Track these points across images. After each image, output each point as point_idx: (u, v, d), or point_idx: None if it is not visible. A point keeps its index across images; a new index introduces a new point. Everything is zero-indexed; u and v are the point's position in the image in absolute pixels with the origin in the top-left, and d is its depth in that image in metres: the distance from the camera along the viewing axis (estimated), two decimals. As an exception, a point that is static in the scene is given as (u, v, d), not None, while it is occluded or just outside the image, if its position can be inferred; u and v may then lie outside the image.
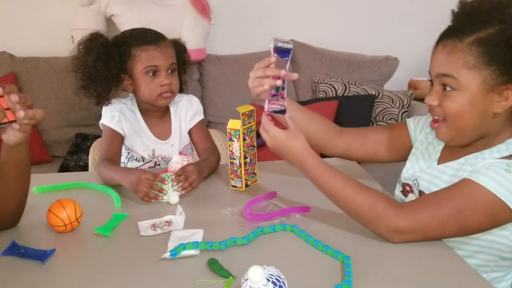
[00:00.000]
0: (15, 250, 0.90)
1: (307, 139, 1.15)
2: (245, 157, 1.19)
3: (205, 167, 1.26)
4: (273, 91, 1.01)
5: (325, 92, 2.69)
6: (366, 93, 2.63)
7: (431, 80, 0.97)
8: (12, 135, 0.86)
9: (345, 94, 2.65)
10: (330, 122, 1.20)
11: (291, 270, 0.77)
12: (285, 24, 2.94)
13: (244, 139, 1.18)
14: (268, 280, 0.69)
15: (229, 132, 1.18)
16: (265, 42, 3.12)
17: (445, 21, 0.98)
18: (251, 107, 1.20)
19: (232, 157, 1.20)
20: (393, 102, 2.62)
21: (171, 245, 0.91)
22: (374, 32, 2.99)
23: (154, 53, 1.33)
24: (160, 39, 1.35)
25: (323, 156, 1.15)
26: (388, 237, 0.90)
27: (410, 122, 1.16)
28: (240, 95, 2.74)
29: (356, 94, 2.64)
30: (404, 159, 1.14)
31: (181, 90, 1.49)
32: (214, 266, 0.83)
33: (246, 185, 1.21)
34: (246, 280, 0.70)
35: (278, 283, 0.69)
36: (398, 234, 0.89)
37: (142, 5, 2.66)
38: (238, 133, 1.17)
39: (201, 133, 1.47)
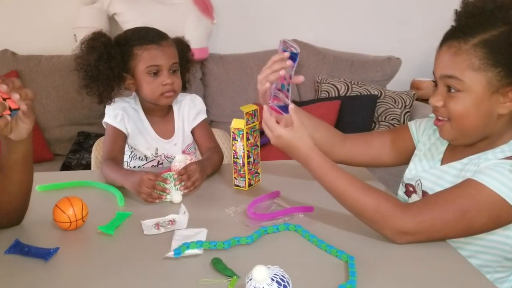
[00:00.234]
0: (19, 248, 0.90)
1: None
2: (249, 157, 1.19)
3: (208, 166, 1.26)
4: (278, 88, 1.00)
5: (327, 92, 2.69)
6: (369, 93, 2.63)
7: (434, 81, 0.97)
8: (22, 128, 0.87)
9: (347, 94, 2.64)
10: (333, 129, 1.20)
11: (295, 269, 0.77)
12: (288, 24, 2.94)
13: (248, 139, 1.18)
14: (273, 280, 0.69)
15: (232, 132, 1.18)
16: (268, 42, 3.15)
17: (448, 22, 0.97)
18: (255, 107, 1.20)
19: (235, 156, 1.20)
20: (395, 102, 2.62)
21: (175, 244, 0.91)
22: (377, 32, 2.98)
23: (156, 52, 1.32)
24: (162, 38, 1.35)
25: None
26: (392, 238, 0.90)
27: (412, 125, 1.16)
28: (243, 94, 2.74)
29: (359, 94, 2.63)
30: (407, 162, 1.14)
31: (185, 89, 1.49)
32: (218, 266, 0.83)
33: (250, 185, 1.21)
34: (251, 279, 0.70)
35: (282, 283, 0.69)
36: (402, 236, 0.89)
37: (144, 4, 2.66)
38: (242, 132, 1.17)
39: (204, 133, 1.46)
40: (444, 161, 1.05)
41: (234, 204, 1.08)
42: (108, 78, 1.33)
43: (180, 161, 1.27)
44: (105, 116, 1.40)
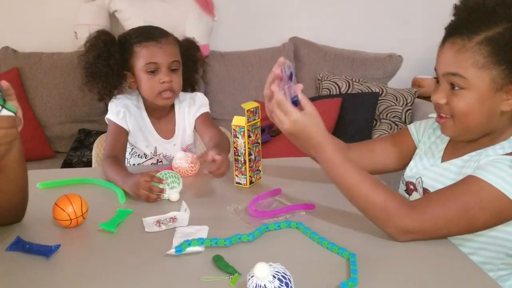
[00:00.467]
0: (20, 246, 0.90)
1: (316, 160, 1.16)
2: (250, 154, 1.19)
3: (226, 153, 1.24)
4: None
5: (328, 89, 2.68)
6: (370, 91, 2.63)
7: (436, 78, 0.97)
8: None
9: (348, 92, 2.64)
10: (338, 140, 1.18)
11: (297, 267, 0.77)
12: (289, 21, 2.93)
13: (249, 136, 1.18)
14: (274, 277, 0.69)
15: (234, 129, 1.18)
16: (269, 39, 3.14)
17: (449, 19, 0.97)
18: (256, 104, 1.19)
19: (236, 154, 1.20)
20: (397, 100, 2.61)
21: (176, 241, 0.91)
22: (378, 29, 2.98)
23: (155, 49, 1.32)
24: (162, 36, 1.34)
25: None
26: (395, 236, 0.89)
27: (412, 127, 1.17)
28: (244, 91, 2.74)
29: (360, 91, 2.63)
30: None
31: (193, 90, 1.49)
32: (220, 263, 0.83)
33: (251, 182, 1.21)
34: (252, 276, 0.70)
35: (284, 280, 0.69)
36: (405, 234, 0.88)
37: (145, 1, 2.66)
38: (243, 129, 1.16)
39: (206, 122, 1.44)
40: (444, 158, 1.04)
41: (236, 202, 1.08)
42: (107, 75, 1.33)
43: (181, 159, 1.27)
44: (108, 112, 1.40)
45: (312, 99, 2.65)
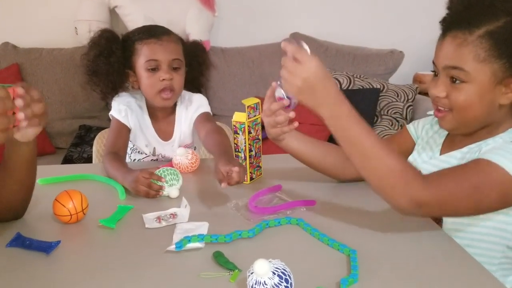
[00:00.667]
0: (20, 242, 0.90)
1: (323, 171, 1.15)
2: (250, 150, 1.19)
3: (231, 153, 1.18)
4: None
5: (329, 85, 2.67)
6: (371, 87, 2.62)
7: (434, 71, 0.97)
8: (29, 131, 0.85)
9: (349, 88, 2.63)
10: (340, 149, 1.15)
11: (297, 263, 0.76)
12: (290, 17, 2.92)
13: (250, 132, 1.18)
14: (274, 274, 0.69)
15: (234, 125, 1.18)
16: (269, 35, 3.13)
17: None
18: (257, 100, 1.19)
19: (237, 150, 1.20)
20: (398, 96, 2.61)
21: (176, 237, 0.91)
22: (379, 25, 2.97)
23: (155, 46, 1.31)
24: (163, 34, 1.33)
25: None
26: (406, 207, 0.84)
27: (410, 126, 1.17)
28: (244, 87, 2.73)
29: (361, 87, 2.62)
30: None
31: (199, 93, 1.48)
32: (220, 259, 0.83)
33: (251, 178, 1.21)
34: (252, 273, 0.69)
35: (284, 276, 0.69)
36: (417, 207, 0.83)
37: (146, -3, 2.65)
38: (244, 126, 1.16)
39: (203, 120, 1.40)
40: (443, 151, 1.05)
41: (236, 198, 1.08)
42: (108, 73, 1.33)
43: (181, 155, 1.27)
44: (112, 108, 1.39)
45: (313, 95, 2.65)
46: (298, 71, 0.85)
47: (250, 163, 1.19)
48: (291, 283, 0.69)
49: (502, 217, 0.92)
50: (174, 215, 1.01)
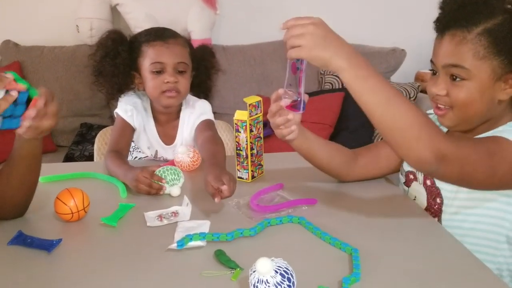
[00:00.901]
0: (22, 240, 0.90)
1: (329, 172, 1.15)
2: (252, 149, 1.19)
3: (223, 164, 1.16)
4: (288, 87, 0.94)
5: (331, 83, 2.67)
6: (373, 85, 2.61)
7: (432, 70, 0.98)
8: (40, 126, 0.86)
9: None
10: (346, 149, 1.16)
11: (299, 262, 0.76)
12: (291, 15, 2.88)
13: (251, 130, 1.17)
14: (276, 272, 0.69)
15: (236, 123, 1.18)
16: (271, 33, 3.12)
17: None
18: (258, 98, 1.19)
19: (238, 148, 1.19)
20: (399, 94, 2.60)
21: (178, 236, 0.90)
22: (381, 23, 2.96)
23: (161, 49, 1.30)
24: (170, 36, 1.33)
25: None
26: (429, 160, 0.80)
27: None
28: (246, 85, 2.73)
29: (362, 86, 2.62)
30: None
31: (206, 97, 1.47)
32: (221, 258, 0.83)
33: (253, 177, 1.21)
34: (254, 271, 0.69)
35: (286, 275, 0.69)
36: (440, 160, 0.80)
37: (147, -6, 2.65)
38: (245, 124, 1.16)
39: (203, 127, 1.38)
40: None
41: (237, 196, 1.07)
42: (113, 75, 1.33)
43: (183, 153, 1.27)
44: (118, 106, 1.39)
45: (315, 94, 2.65)
46: (305, 29, 0.81)
47: (251, 161, 1.19)
48: (293, 281, 0.69)
49: (505, 199, 0.92)
50: (175, 214, 1.01)
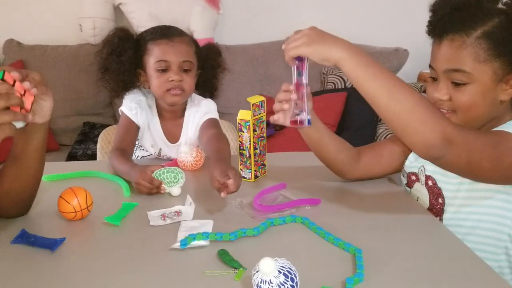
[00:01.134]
0: (25, 238, 0.90)
1: (333, 167, 1.14)
2: (255, 148, 1.19)
3: (228, 160, 1.17)
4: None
5: (333, 83, 2.67)
6: (375, 85, 2.61)
7: (431, 76, 0.97)
8: (44, 106, 0.87)
9: (353, 86, 2.62)
10: (350, 146, 1.16)
11: (302, 262, 0.76)
12: (294, 14, 2.91)
13: (254, 130, 1.17)
14: (280, 272, 0.68)
15: (239, 123, 1.17)
16: (274, 32, 3.12)
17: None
18: (262, 98, 1.19)
19: (241, 148, 1.19)
20: (402, 94, 2.60)
21: (181, 235, 0.90)
22: (384, 23, 2.95)
23: (166, 47, 1.30)
24: (175, 35, 1.33)
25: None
26: (436, 143, 0.80)
27: None
28: (248, 85, 2.73)
29: (365, 86, 2.61)
30: None
31: (212, 97, 1.47)
32: (224, 257, 0.83)
33: (256, 176, 1.21)
34: (257, 271, 0.69)
35: (289, 275, 0.69)
36: (447, 143, 0.80)
37: (150, -6, 2.65)
38: (248, 123, 1.16)
39: (208, 126, 1.38)
40: None
41: (240, 196, 1.07)
42: (119, 72, 1.32)
43: (186, 152, 1.27)
44: (123, 104, 1.39)
45: (317, 94, 2.64)
46: (301, 32, 0.87)
47: (254, 161, 1.19)
48: (296, 282, 0.69)
49: (505, 197, 0.92)
50: (178, 213, 1.01)
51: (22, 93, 0.81)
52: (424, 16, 0.99)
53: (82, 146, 2.40)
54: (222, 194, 0.97)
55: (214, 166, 1.05)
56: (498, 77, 0.91)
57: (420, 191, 1.08)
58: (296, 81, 0.95)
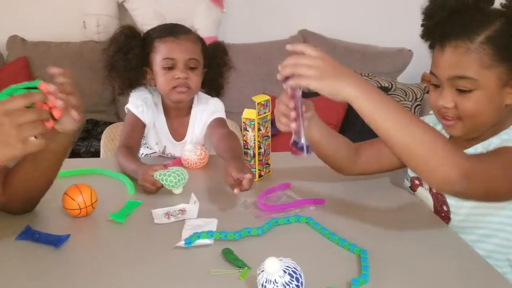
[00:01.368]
0: (30, 235, 0.91)
1: (333, 164, 1.13)
2: (259, 147, 1.18)
3: (242, 158, 1.17)
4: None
5: (337, 83, 2.66)
6: (379, 85, 2.61)
7: (434, 84, 0.95)
8: (68, 120, 0.87)
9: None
10: (350, 143, 1.15)
11: (307, 262, 0.76)
12: (297, 14, 2.91)
13: (259, 129, 1.17)
14: (285, 272, 0.68)
15: (244, 122, 1.17)
16: (277, 31, 3.11)
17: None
18: (267, 97, 1.19)
19: (246, 147, 1.19)
20: (406, 95, 2.59)
21: (185, 233, 0.90)
22: (388, 23, 2.94)
23: (173, 45, 1.30)
24: (181, 33, 1.32)
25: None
26: (456, 179, 0.78)
27: None
28: (251, 84, 2.72)
29: (369, 86, 2.61)
30: None
31: (218, 95, 1.46)
32: (229, 256, 0.83)
33: (260, 176, 1.21)
34: (263, 271, 0.69)
35: (294, 275, 0.69)
36: (466, 178, 0.79)
37: (154, -9, 2.65)
38: (253, 123, 1.16)
39: (216, 124, 1.38)
40: None
41: (245, 195, 1.07)
42: (125, 70, 1.32)
43: (190, 151, 1.27)
44: (129, 101, 1.39)
45: (319, 94, 2.64)
46: (312, 61, 0.81)
47: (259, 160, 1.19)
48: (301, 282, 0.69)
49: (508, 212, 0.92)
50: (183, 211, 1.01)
51: (53, 106, 0.83)
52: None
53: (85, 143, 2.40)
54: (236, 191, 0.97)
55: (230, 163, 1.05)
56: (503, 82, 0.89)
57: (424, 195, 1.07)
58: (297, 111, 0.90)
